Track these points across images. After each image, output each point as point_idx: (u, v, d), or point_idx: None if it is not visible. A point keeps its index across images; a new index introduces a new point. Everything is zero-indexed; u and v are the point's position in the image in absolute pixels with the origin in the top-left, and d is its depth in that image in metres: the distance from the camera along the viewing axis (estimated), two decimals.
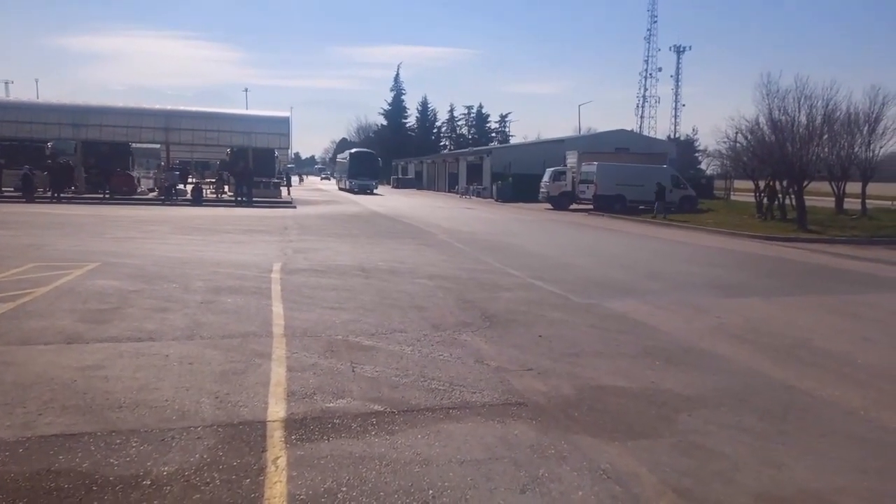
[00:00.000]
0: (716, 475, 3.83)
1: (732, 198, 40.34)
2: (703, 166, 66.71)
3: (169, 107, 35.79)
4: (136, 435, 4.09)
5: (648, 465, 3.92)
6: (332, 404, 4.71)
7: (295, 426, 4.31)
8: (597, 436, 4.34)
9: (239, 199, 30.95)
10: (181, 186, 33.28)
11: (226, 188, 36.19)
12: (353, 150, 61.69)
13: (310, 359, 5.78)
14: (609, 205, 30.57)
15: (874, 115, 25.62)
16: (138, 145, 38.37)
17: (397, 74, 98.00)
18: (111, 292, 8.36)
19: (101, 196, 30.16)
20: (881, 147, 26.49)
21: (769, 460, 4.06)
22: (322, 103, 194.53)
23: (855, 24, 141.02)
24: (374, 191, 52.86)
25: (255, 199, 31.05)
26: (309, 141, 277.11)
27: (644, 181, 31.29)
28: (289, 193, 38.41)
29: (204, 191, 32.85)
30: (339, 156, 72.39)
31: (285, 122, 35.85)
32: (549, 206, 35.02)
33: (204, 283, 9.18)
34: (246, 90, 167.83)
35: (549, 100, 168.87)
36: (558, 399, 5.02)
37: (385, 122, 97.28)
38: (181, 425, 4.27)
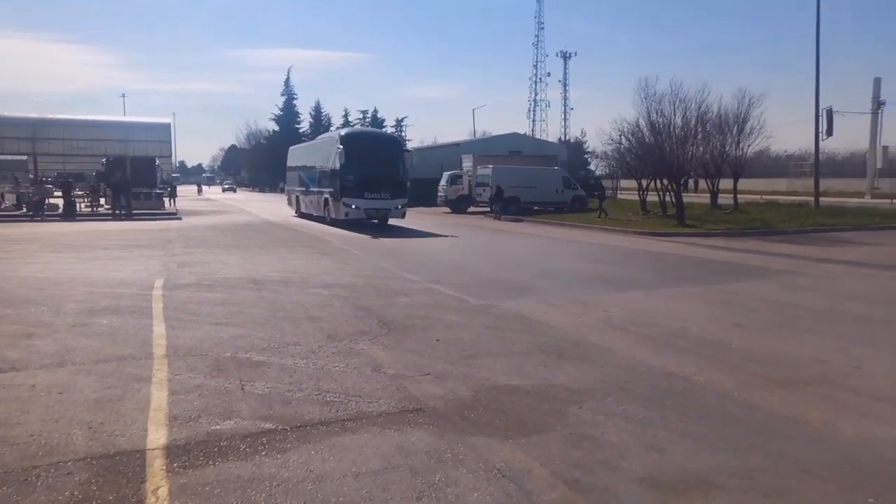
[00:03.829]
0: (603, 463, 3.98)
1: (619, 196, 42.45)
2: (592, 167, 69.99)
3: (35, 115, 33.01)
4: None
5: (541, 459, 4.01)
6: (218, 426, 4.48)
7: (177, 453, 4.06)
8: (492, 435, 4.39)
9: (117, 211, 29.02)
10: (51, 200, 30.79)
11: (102, 200, 33.85)
12: (348, 132, 26.62)
13: (194, 379, 5.48)
14: (505, 206, 31.34)
15: (742, 116, 27.87)
16: (1, 157, 35.19)
17: (288, 78, 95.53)
18: None
19: None
20: (749, 145, 28.85)
21: (652, 445, 4.26)
22: (209, 108, 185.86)
23: (724, 30, 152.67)
24: (396, 219, 23.70)
25: (135, 211, 29.27)
26: (196, 148, 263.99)
27: (538, 183, 32.63)
28: (174, 204, 36.49)
29: (78, 204, 30.53)
30: (293, 149, 32.45)
31: (167, 128, 34.01)
32: (447, 209, 35.44)
33: (77, 305, 8.51)
34: (123, 95, 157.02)
35: (444, 103, 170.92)
36: (455, 402, 5.04)
37: (277, 128, 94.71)
38: (48, 461, 3.91)
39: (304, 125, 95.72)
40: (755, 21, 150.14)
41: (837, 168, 56.41)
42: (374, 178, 22.30)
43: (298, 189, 29.31)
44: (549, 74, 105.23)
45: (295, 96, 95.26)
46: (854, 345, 6.91)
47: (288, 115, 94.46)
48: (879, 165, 47.21)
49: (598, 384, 5.50)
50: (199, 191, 72.87)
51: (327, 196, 23.76)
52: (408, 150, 26.18)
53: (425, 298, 9.38)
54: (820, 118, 29.35)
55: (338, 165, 22.43)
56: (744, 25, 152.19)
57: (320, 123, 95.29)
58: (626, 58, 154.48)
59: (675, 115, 25.27)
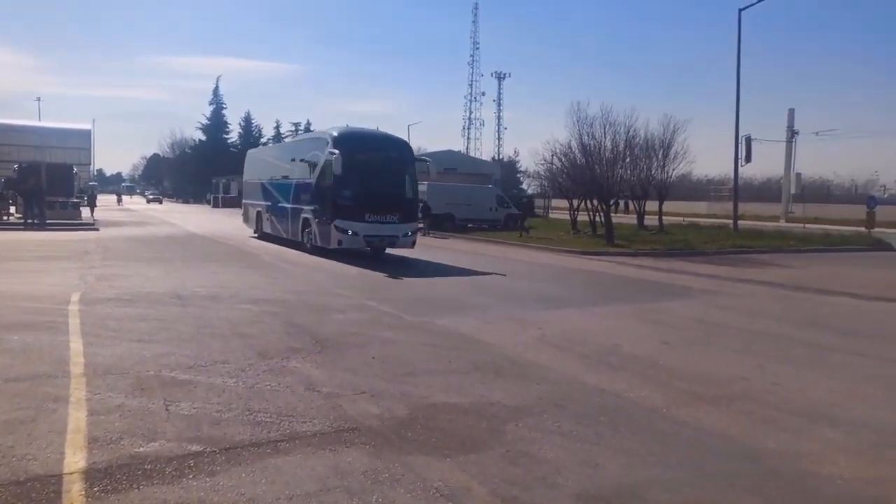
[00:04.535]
0: (540, 480, 4.00)
1: (551, 215, 43.43)
2: (524, 186, 71.34)
3: None
4: None
5: (479, 478, 3.99)
6: (142, 448, 4.24)
7: (97, 477, 3.81)
8: (430, 454, 4.34)
9: (29, 221, 27.39)
10: None
11: (12, 209, 31.86)
12: (343, 132, 17.90)
13: (115, 399, 5.19)
14: (440, 223, 31.50)
15: (667, 141, 29.18)
16: None
17: (217, 87, 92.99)
18: None
19: None
20: (673, 169, 30.18)
21: (587, 461, 4.32)
22: (131, 115, 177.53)
23: (653, 58, 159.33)
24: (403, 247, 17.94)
25: (49, 221, 27.69)
26: (115, 156, 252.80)
27: (472, 201, 33.00)
28: (92, 214, 34.74)
29: None
30: (255, 153, 27.30)
31: (86, 135, 32.58)
32: None
33: None
34: (38, 99, 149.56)
35: (379, 119, 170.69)
36: (392, 421, 4.96)
37: (204, 138, 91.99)
38: None
39: (234, 135, 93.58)
40: (682, 51, 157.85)
41: (755, 193, 59.73)
42: (380, 194, 16.85)
43: (261, 203, 23.16)
44: (483, 94, 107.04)
45: (224, 105, 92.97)
46: (772, 362, 7.26)
47: (216, 124, 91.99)
48: (793, 191, 50.33)
49: (534, 401, 5.55)
50: (119, 200, 69.73)
51: (308, 216, 18.20)
52: (422, 159, 19.51)
53: (360, 315, 9.26)
54: (739, 145, 31.03)
55: (329, 177, 16.70)
56: (671, 55, 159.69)
57: (251, 134, 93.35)
58: (559, 81, 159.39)
59: (605, 137, 26.20)
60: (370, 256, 17.37)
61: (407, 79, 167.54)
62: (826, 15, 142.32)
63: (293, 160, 20.11)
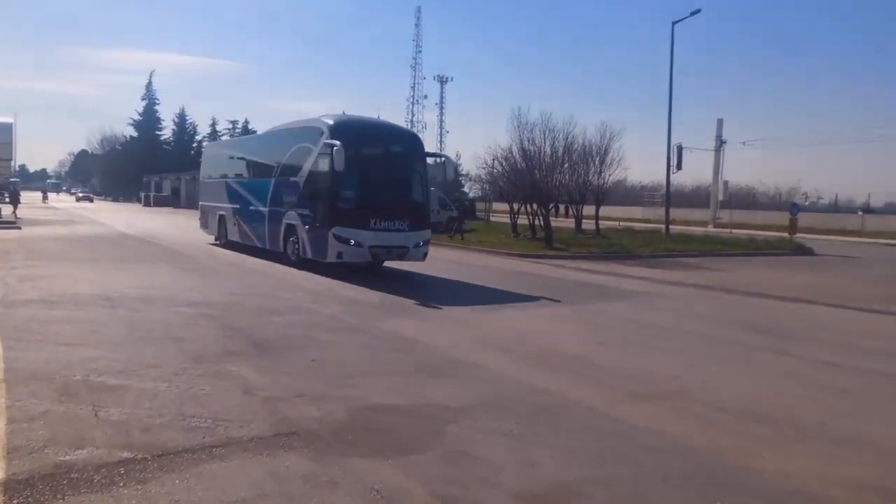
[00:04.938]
0: (480, 480, 4.04)
1: (492, 219, 43.86)
2: (466, 189, 71.76)
3: None
4: None
5: (419, 479, 4.00)
6: (68, 457, 4.06)
7: (18, 488, 3.62)
8: (370, 456, 4.32)
9: None
10: None
11: None
12: (341, 120, 14.74)
13: (39, 406, 4.94)
14: None
15: (604, 148, 29.90)
16: None
17: (150, 82, 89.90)
18: None
19: None
20: (610, 175, 30.98)
21: (526, 460, 4.39)
22: (55, 109, 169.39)
23: (591, 67, 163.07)
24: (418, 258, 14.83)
25: None
26: (39, 152, 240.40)
27: None
28: (14, 212, 32.97)
29: None
30: (215, 146, 28.57)
31: (7, 128, 30.92)
32: None
33: None
34: None
35: None
36: (332, 424, 4.91)
37: (135, 134, 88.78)
38: None
39: (167, 132, 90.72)
40: (619, 62, 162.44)
41: (685, 199, 61.99)
42: (388, 196, 14.16)
43: (226, 206, 19.73)
44: (426, 97, 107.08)
45: (157, 101, 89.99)
46: (701, 361, 7.56)
47: (149, 120, 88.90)
48: (721, 198, 52.63)
49: (474, 402, 5.60)
50: (45, 198, 66.48)
51: (293, 221, 15.16)
52: (438, 155, 17.15)
53: (299, 317, 9.12)
54: (671, 154, 32.21)
55: (325, 174, 13.79)
56: (608, 65, 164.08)
57: (185, 131, 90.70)
58: (500, 86, 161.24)
59: (545, 143, 26.68)
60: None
61: (349, 80, 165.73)
62: (755, 28, 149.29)
63: (271, 155, 17.11)
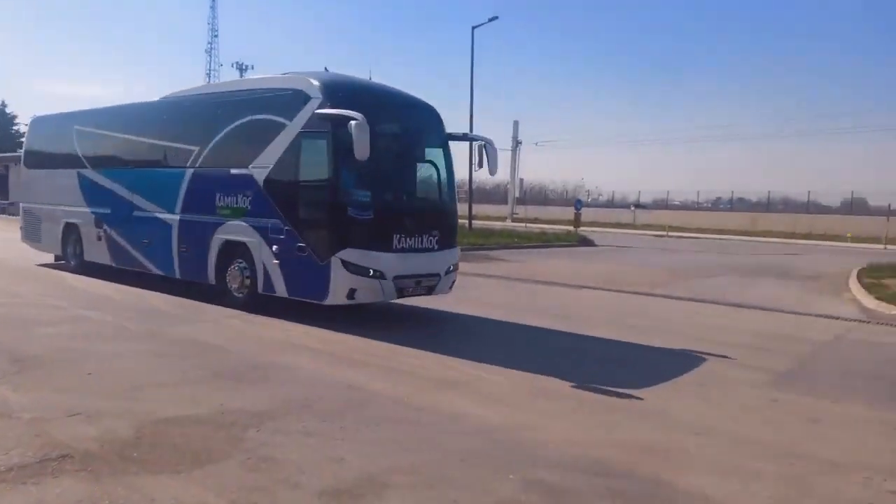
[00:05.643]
0: (283, 482, 3.90)
1: None
2: None
3: None
4: None
5: (216, 489, 3.76)
6: None
7: None
8: (160, 472, 3.97)
9: None
10: None
11: None
12: (335, 79, 9.47)
13: None
14: None
15: None
16: None
17: None
18: None
19: None
20: None
21: (331, 457, 4.33)
22: None
23: (393, 67, 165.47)
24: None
25: None
26: None
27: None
28: None
29: None
30: (42, 119, 15.40)
31: None
32: None
33: None
34: None
35: (101, 103, 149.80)
36: (113, 442, 4.43)
37: None
38: None
39: None
40: (422, 63, 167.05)
41: (486, 195, 65.77)
42: (411, 200, 10.03)
43: (82, 210, 13.33)
44: None
45: None
46: (487, 347, 8.06)
47: None
48: (517, 195, 56.84)
49: (278, 404, 5.40)
50: None
51: (243, 238, 9.68)
52: (477, 138, 11.85)
53: (74, 328, 8.13)
54: (473, 152, 33.84)
55: (321, 165, 8.74)
56: (410, 67, 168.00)
57: None
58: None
59: None
60: None
61: (138, 63, 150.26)
62: (549, 35, 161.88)
63: (187, 131, 11.09)
